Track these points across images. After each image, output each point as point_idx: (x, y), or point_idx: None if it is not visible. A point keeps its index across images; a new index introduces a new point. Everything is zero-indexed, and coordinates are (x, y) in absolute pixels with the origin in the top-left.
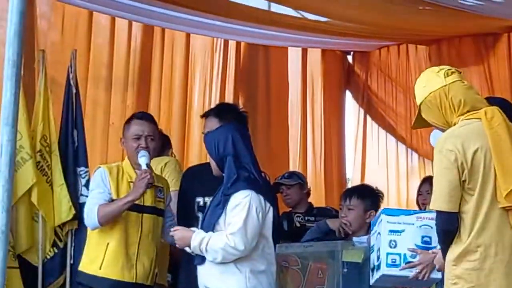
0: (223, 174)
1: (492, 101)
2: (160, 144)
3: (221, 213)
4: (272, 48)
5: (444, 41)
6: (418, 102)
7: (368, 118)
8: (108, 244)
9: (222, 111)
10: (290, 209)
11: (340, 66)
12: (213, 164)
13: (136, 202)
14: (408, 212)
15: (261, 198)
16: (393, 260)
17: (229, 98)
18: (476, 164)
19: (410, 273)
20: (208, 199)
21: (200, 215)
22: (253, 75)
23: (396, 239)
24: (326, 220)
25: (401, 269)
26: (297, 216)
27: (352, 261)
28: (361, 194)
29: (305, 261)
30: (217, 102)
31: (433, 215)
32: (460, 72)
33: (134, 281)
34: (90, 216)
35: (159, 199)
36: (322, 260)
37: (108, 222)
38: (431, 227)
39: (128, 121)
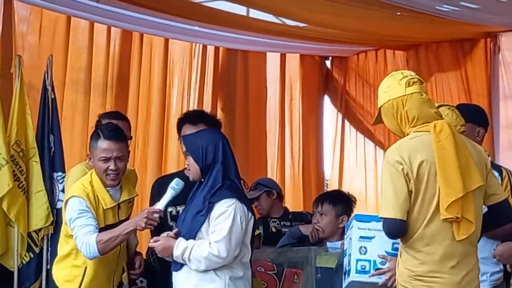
0: (202, 180)
1: (465, 108)
2: None
3: (204, 220)
4: (251, 53)
5: (421, 47)
6: (378, 104)
7: (346, 123)
8: (86, 268)
9: (209, 117)
10: (267, 214)
11: (318, 71)
12: (195, 169)
13: (112, 222)
14: (379, 219)
15: (244, 207)
16: (363, 267)
17: (207, 103)
18: (421, 176)
19: (379, 280)
20: (180, 208)
21: (173, 224)
22: (232, 80)
23: (366, 246)
24: (298, 226)
25: (370, 276)
26: (272, 221)
27: (326, 266)
28: (333, 200)
29: (280, 267)
30: (196, 107)
31: None
32: (422, 83)
33: None
34: (89, 247)
35: (130, 208)
36: (297, 265)
37: (109, 251)
38: None
39: (95, 138)
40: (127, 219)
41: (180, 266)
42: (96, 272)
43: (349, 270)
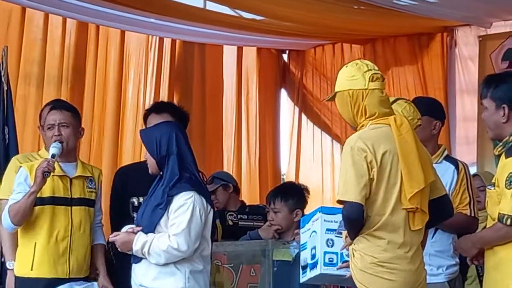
0: (160, 173)
1: (421, 101)
2: None
3: (163, 214)
4: (208, 46)
5: (378, 41)
6: (336, 88)
7: (303, 116)
8: (35, 243)
9: (176, 109)
10: (223, 207)
11: (276, 65)
12: (152, 162)
13: (63, 195)
14: None
15: (203, 199)
16: (330, 259)
17: (163, 96)
18: (384, 166)
19: (347, 272)
20: (142, 199)
21: (135, 215)
22: (188, 73)
23: (333, 238)
24: (258, 230)
25: (338, 268)
26: (229, 215)
27: (282, 259)
28: (284, 196)
29: (237, 260)
30: (152, 99)
31: None
32: (384, 80)
33: (68, 276)
34: (5, 218)
35: (90, 190)
36: (254, 258)
37: (21, 220)
38: None
39: (45, 113)
40: (85, 199)
41: (140, 258)
42: (45, 249)
43: (315, 263)
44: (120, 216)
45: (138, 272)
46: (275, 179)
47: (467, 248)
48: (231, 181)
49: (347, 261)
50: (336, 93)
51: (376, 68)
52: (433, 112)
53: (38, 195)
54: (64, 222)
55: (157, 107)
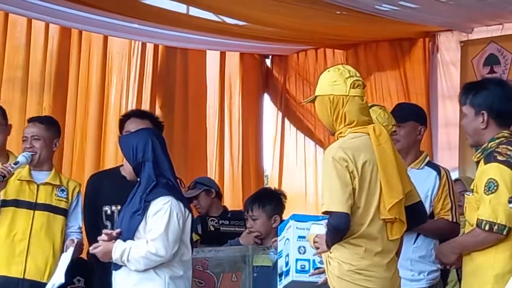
0: (138, 179)
1: (406, 106)
2: None
3: (141, 219)
4: (190, 51)
5: (361, 46)
6: (316, 91)
7: (286, 121)
8: None
9: (153, 117)
10: (206, 212)
11: (258, 70)
12: (129, 169)
13: (27, 199)
14: (317, 218)
15: (181, 204)
16: (302, 266)
17: (146, 101)
18: (364, 176)
19: (319, 279)
20: (115, 208)
21: (108, 223)
22: (171, 78)
23: (305, 245)
24: (238, 239)
25: (310, 275)
26: (211, 220)
27: (262, 265)
28: (261, 203)
29: (219, 266)
30: (134, 105)
31: None
32: (364, 87)
33: (22, 276)
34: None
35: (59, 198)
36: (235, 264)
37: None
38: None
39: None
40: (51, 206)
41: (120, 265)
42: (2, 248)
43: (288, 271)
44: (95, 225)
45: (119, 279)
46: (258, 184)
47: (447, 254)
48: (214, 187)
49: (319, 267)
50: (316, 96)
51: (358, 74)
52: (418, 117)
53: (3, 197)
54: (24, 225)
55: (139, 112)
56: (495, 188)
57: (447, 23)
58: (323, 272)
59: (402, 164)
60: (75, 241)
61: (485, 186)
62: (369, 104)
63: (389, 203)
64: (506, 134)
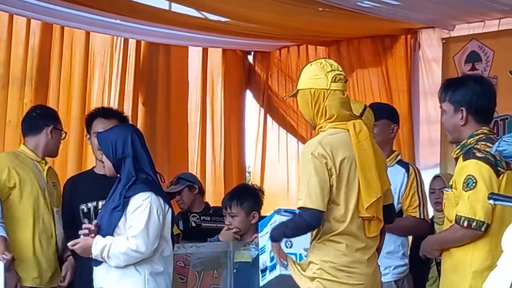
0: (118, 175)
1: (379, 105)
2: None
3: (121, 216)
4: (173, 47)
5: (343, 42)
6: (298, 85)
7: (269, 118)
8: None
9: (119, 113)
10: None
11: (241, 66)
12: (109, 165)
13: None
14: None
15: (161, 199)
16: None
17: (128, 97)
18: (342, 173)
19: None
20: (91, 205)
21: (86, 221)
22: (153, 74)
23: (291, 239)
24: (217, 236)
25: None
26: (192, 216)
27: (241, 261)
28: (239, 199)
29: (200, 262)
30: (117, 100)
31: None
32: (346, 81)
33: None
34: None
35: None
36: (216, 260)
37: None
38: None
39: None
40: None
41: (100, 262)
42: None
43: (275, 265)
44: (73, 225)
45: (99, 275)
46: (241, 180)
47: (429, 250)
48: (197, 183)
49: None
50: (298, 90)
51: (340, 68)
52: (391, 116)
53: None
54: None
55: (104, 112)
56: (473, 184)
57: (429, 20)
58: None
59: (381, 161)
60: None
61: (464, 182)
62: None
63: (367, 202)
64: (485, 131)
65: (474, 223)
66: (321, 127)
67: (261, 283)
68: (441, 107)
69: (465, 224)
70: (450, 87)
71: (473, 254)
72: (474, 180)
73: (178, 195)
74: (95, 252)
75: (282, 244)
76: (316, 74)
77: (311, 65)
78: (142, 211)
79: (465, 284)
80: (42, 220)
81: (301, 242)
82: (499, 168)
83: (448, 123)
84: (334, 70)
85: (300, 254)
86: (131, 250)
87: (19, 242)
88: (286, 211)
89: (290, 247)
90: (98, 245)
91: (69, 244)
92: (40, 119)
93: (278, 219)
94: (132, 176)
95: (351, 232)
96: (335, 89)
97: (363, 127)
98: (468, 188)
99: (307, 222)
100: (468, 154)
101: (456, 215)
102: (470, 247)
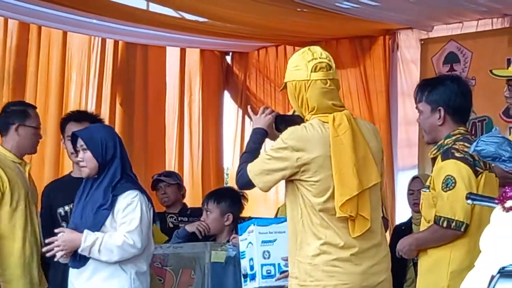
0: (96, 175)
1: None
2: None
3: (109, 214)
4: (150, 47)
5: (321, 43)
6: (285, 79)
7: (247, 119)
8: None
9: (93, 116)
10: (165, 209)
11: (219, 67)
12: (93, 164)
13: None
14: (278, 220)
15: (146, 198)
16: (268, 271)
17: (106, 97)
18: (318, 170)
19: (285, 282)
20: (68, 207)
21: (64, 224)
22: (131, 74)
23: (269, 250)
24: (184, 226)
25: (276, 280)
26: (170, 217)
27: (215, 261)
28: (217, 198)
29: (177, 262)
30: (94, 101)
31: None
32: (331, 68)
33: None
34: None
35: None
36: (194, 260)
37: None
38: None
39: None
40: None
41: (83, 262)
42: None
43: (254, 275)
44: (51, 230)
45: (80, 276)
46: (218, 181)
47: (406, 250)
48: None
49: (285, 271)
50: (286, 83)
51: (323, 55)
52: None
53: None
54: None
55: (76, 115)
56: (453, 184)
57: (408, 21)
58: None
59: (364, 155)
60: None
61: (443, 182)
62: None
63: (339, 201)
64: (462, 131)
65: (454, 223)
66: (307, 120)
67: None
68: (417, 107)
69: (445, 224)
70: (427, 87)
71: (452, 254)
72: (453, 180)
73: (166, 188)
74: (85, 244)
75: (260, 255)
76: (296, 65)
77: (294, 55)
78: (134, 208)
79: (443, 284)
80: (31, 225)
81: (278, 252)
82: (478, 168)
83: (425, 123)
84: (315, 58)
85: (279, 264)
86: (128, 245)
87: (9, 249)
88: (261, 222)
89: (268, 257)
90: (89, 238)
91: (48, 240)
92: (7, 117)
93: (254, 229)
94: (118, 176)
95: (332, 231)
96: (316, 79)
97: (344, 120)
98: (448, 188)
99: (239, 183)
100: (447, 154)
101: (436, 215)
102: (448, 247)
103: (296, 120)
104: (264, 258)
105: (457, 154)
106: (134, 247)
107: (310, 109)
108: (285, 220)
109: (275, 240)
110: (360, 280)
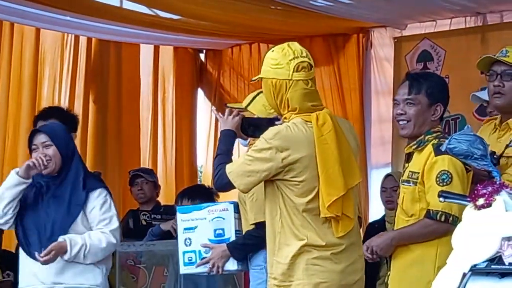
0: (56, 174)
1: None
2: None
3: (81, 210)
4: (124, 44)
5: (295, 41)
6: (261, 73)
7: None
8: None
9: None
10: (138, 206)
11: (192, 64)
12: (58, 159)
13: None
14: (199, 207)
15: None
16: (190, 258)
17: (79, 95)
18: (303, 170)
19: (206, 268)
20: None
21: None
22: (104, 72)
23: (190, 237)
24: (159, 225)
25: (197, 266)
26: (143, 214)
27: None
28: (191, 196)
29: (150, 260)
30: (67, 98)
31: (224, 206)
32: (312, 67)
33: None
34: None
35: None
36: (165, 258)
37: None
38: (224, 218)
39: None
40: None
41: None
42: None
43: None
44: None
45: (50, 270)
46: (192, 178)
47: (385, 245)
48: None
49: (205, 257)
50: (261, 77)
51: (304, 54)
52: None
53: None
54: None
55: (44, 113)
56: (449, 180)
57: (381, 19)
58: (208, 261)
59: (348, 155)
60: None
61: (438, 177)
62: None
63: (328, 201)
64: (440, 129)
65: (451, 218)
66: (285, 118)
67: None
68: (409, 98)
69: (443, 218)
70: (426, 80)
71: (438, 249)
72: (450, 176)
73: (143, 184)
74: (72, 254)
75: (182, 242)
76: (277, 63)
77: (273, 50)
78: (110, 206)
79: (429, 278)
80: None
81: (199, 239)
82: (467, 166)
83: (419, 115)
84: (297, 57)
85: (199, 251)
86: (112, 244)
87: None
88: (183, 210)
89: (189, 245)
90: (75, 247)
91: (43, 258)
92: None
93: (178, 216)
94: (81, 171)
95: (313, 232)
96: (298, 79)
97: (327, 119)
98: (444, 183)
99: (216, 184)
100: (440, 150)
101: (430, 209)
102: (434, 242)
103: (263, 123)
104: (186, 245)
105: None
106: (116, 245)
107: (291, 109)
108: (207, 206)
109: (196, 227)
110: (339, 278)
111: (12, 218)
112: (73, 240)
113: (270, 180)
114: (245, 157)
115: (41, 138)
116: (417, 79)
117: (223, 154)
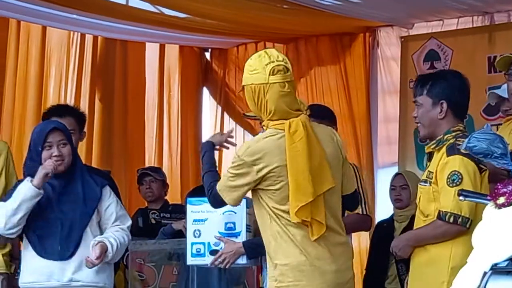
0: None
1: (318, 107)
2: None
3: (96, 205)
4: (130, 43)
5: (301, 40)
6: (242, 81)
7: (226, 115)
8: None
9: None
10: (147, 205)
11: (198, 63)
12: (71, 157)
13: None
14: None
15: None
16: (198, 250)
17: (85, 93)
18: (277, 179)
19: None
20: None
21: None
22: (110, 70)
23: (200, 228)
24: (171, 224)
25: (211, 264)
26: (152, 213)
27: None
28: (201, 195)
29: (159, 258)
30: (73, 96)
31: None
32: (288, 70)
33: None
34: None
35: None
36: (175, 257)
37: None
38: (235, 213)
39: None
40: None
41: (71, 254)
42: None
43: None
44: None
45: (69, 268)
46: (197, 178)
47: (403, 247)
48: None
49: (215, 250)
50: (243, 86)
51: (281, 58)
52: (330, 117)
53: None
54: None
55: (59, 110)
56: (459, 180)
57: (388, 18)
58: (218, 256)
59: (320, 161)
60: None
61: (449, 178)
62: None
63: (294, 207)
64: (461, 128)
65: (460, 219)
66: (263, 126)
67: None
68: (415, 101)
69: (451, 219)
70: (428, 80)
71: (452, 250)
72: (460, 176)
73: (151, 183)
74: (112, 253)
75: (191, 234)
76: (254, 69)
77: (251, 58)
78: (117, 202)
79: (443, 279)
80: None
81: (209, 231)
82: (481, 165)
83: (425, 117)
84: (272, 61)
85: (209, 243)
86: (129, 241)
87: None
88: (194, 202)
89: (199, 236)
90: (113, 247)
91: (97, 261)
92: None
93: (188, 208)
94: (84, 167)
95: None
96: (274, 82)
97: (299, 126)
98: (454, 184)
99: (211, 201)
100: (453, 150)
101: (440, 210)
102: (449, 243)
103: None
104: (195, 236)
105: (463, 151)
106: (130, 242)
107: (268, 112)
108: None
109: (206, 219)
110: (335, 278)
111: (22, 226)
112: (108, 240)
113: (253, 190)
114: (228, 173)
115: (57, 136)
116: (421, 80)
117: (210, 171)
